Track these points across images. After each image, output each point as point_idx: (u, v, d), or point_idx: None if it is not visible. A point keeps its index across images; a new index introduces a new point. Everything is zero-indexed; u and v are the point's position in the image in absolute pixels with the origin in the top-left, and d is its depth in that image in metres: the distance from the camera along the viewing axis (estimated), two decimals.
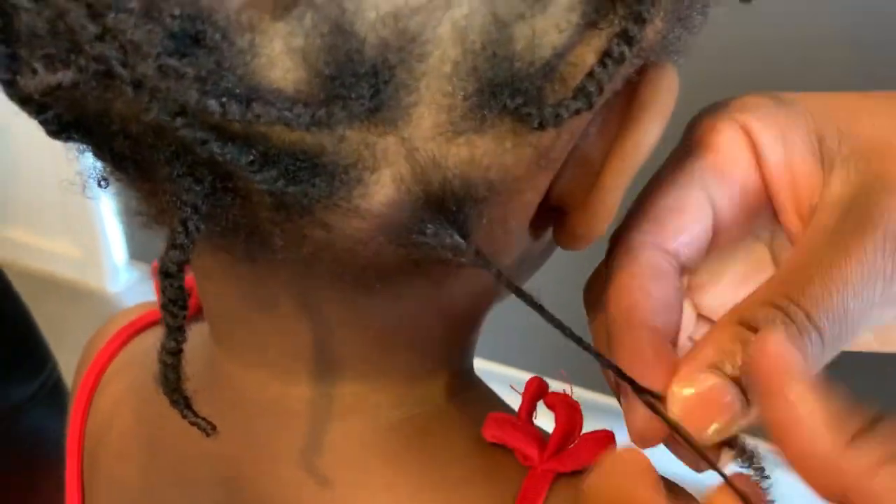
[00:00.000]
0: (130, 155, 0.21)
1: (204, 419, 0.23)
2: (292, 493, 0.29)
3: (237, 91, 0.18)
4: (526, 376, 0.30)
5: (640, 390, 0.23)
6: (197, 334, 0.33)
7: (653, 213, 0.24)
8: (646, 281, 0.24)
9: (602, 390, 0.31)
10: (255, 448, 0.30)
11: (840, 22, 0.92)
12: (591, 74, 0.20)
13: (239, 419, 0.30)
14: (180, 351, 0.21)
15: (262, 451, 0.30)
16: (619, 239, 0.25)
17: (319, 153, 0.19)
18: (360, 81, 0.18)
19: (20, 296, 0.62)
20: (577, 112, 0.20)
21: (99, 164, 0.23)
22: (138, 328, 0.39)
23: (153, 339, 0.38)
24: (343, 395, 0.29)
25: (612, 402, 0.26)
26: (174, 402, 0.23)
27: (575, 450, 0.28)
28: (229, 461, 0.30)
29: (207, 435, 0.23)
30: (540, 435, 0.29)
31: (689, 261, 0.25)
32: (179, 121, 0.18)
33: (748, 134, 0.24)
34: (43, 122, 0.21)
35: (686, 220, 0.24)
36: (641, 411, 0.23)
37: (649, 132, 0.23)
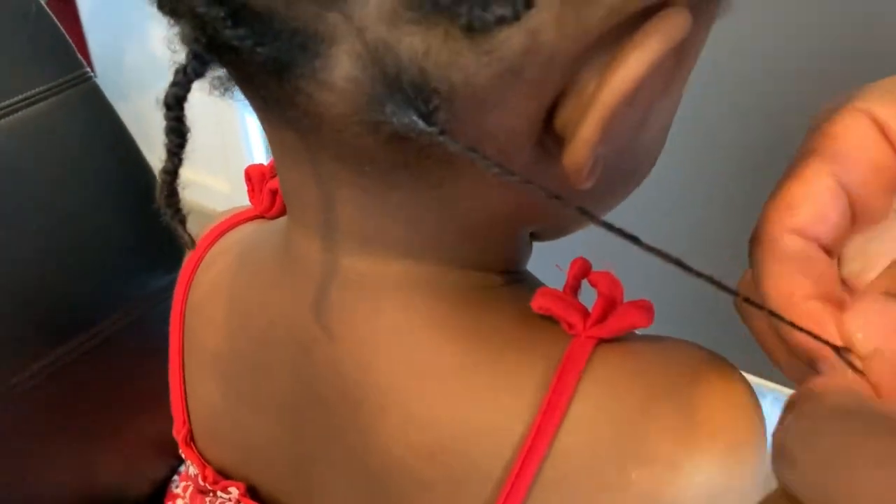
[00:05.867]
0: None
1: (189, 235, 0.26)
2: (350, 347, 0.31)
3: None
4: None
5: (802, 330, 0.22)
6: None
7: (785, 204, 0.24)
8: (798, 265, 0.23)
9: None
10: (319, 310, 0.32)
11: None
12: None
13: (308, 285, 0.32)
14: (175, 171, 0.25)
15: (325, 314, 0.32)
16: (757, 236, 0.24)
17: (275, 17, 0.21)
18: None
19: None
20: (503, 21, 0.20)
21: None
22: (233, 223, 0.42)
23: (246, 230, 0.41)
24: (391, 271, 0.30)
25: None
26: (172, 216, 0.26)
27: (615, 317, 0.28)
28: (301, 323, 0.33)
29: (189, 248, 0.26)
30: (584, 307, 0.29)
31: (832, 246, 0.24)
32: None
33: (872, 118, 0.24)
34: None
35: (820, 206, 0.24)
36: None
37: (631, 67, 0.22)
